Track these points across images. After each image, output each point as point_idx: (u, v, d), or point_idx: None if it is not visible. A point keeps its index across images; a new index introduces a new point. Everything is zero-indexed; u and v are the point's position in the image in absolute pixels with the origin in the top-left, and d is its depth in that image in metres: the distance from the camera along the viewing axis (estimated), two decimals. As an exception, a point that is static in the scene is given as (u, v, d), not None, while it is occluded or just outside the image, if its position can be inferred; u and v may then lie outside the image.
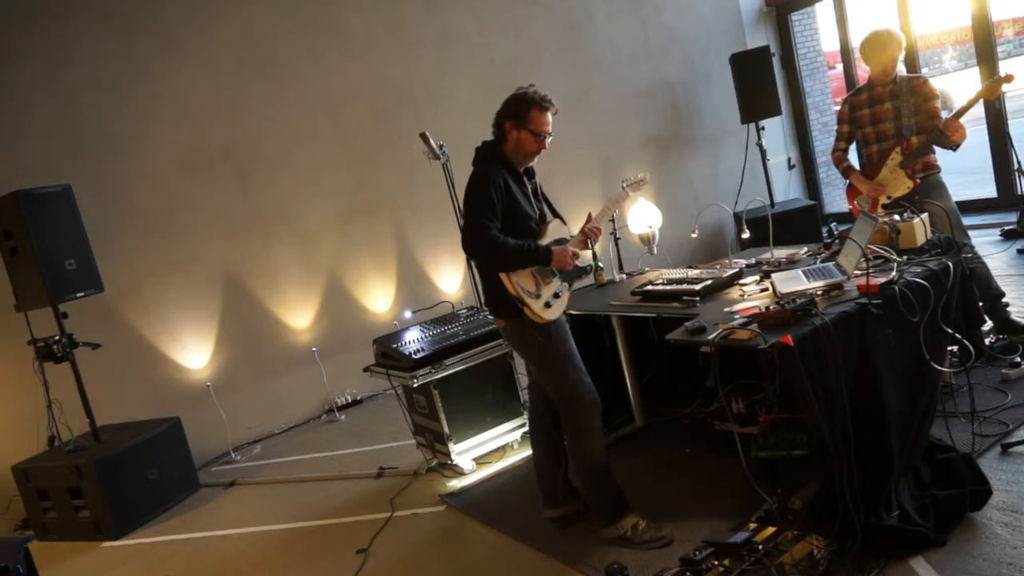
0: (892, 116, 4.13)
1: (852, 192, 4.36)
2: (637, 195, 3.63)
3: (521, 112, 3.13)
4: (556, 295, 3.17)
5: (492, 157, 3.18)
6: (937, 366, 2.97)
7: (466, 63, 6.72)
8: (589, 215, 3.36)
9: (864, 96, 4.25)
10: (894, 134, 4.13)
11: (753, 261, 3.88)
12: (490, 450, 4.33)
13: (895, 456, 2.78)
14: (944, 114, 4.05)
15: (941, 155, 4.13)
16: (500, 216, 3.06)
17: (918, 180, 4.07)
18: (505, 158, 3.19)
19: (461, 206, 3.33)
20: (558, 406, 3.23)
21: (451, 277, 6.64)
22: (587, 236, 3.31)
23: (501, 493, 3.91)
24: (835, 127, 4.48)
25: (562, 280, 3.22)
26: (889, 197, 4.10)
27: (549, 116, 3.17)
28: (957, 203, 4.18)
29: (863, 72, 4.31)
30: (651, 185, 7.47)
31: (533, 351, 3.20)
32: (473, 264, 3.28)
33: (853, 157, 4.49)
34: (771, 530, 2.76)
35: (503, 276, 3.05)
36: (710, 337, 2.82)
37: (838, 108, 4.51)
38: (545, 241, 3.19)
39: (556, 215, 3.36)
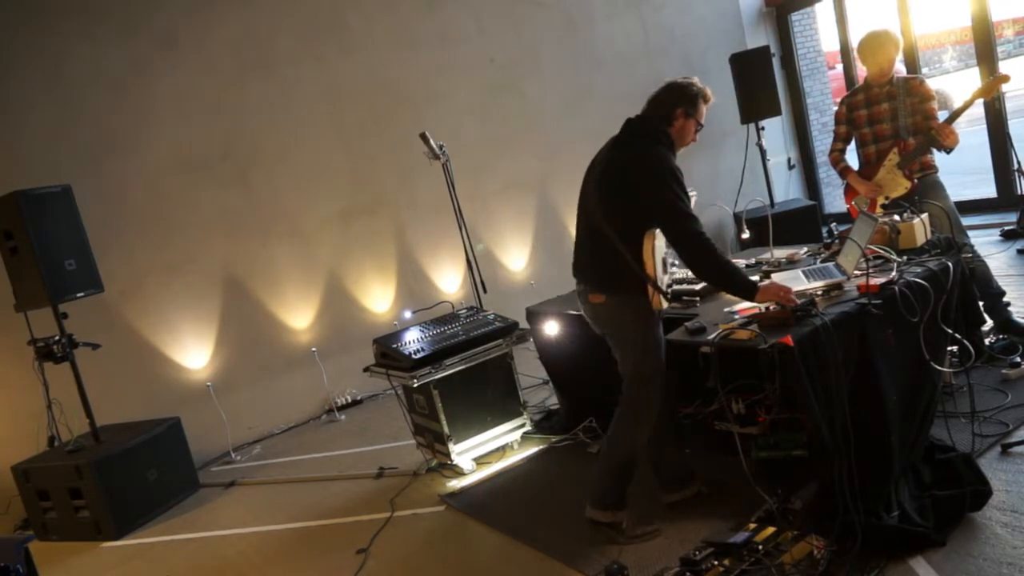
0: (889, 117, 4.13)
1: (850, 193, 4.36)
2: None
3: (694, 101, 3.14)
4: (670, 286, 3.14)
5: (664, 139, 3.11)
6: (937, 366, 2.97)
7: (466, 63, 6.72)
8: None
9: (861, 97, 4.25)
10: (891, 135, 4.13)
11: (753, 261, 3.88)
12: (490, 450, 4.33)
13: (895, 456, 2.78)
14: (943, 114, 4.05)
15: (940, 155, 4.13)
16: None
17: (916, 181, 4.08)
18: (672, 144, 3.15)
19: (622, 182, 3.07)
20: (628, 386, 3.14)
21: (451, 277, 6.64)
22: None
23: (501, 493, 3.91)
24: (833, 127, 4.49)
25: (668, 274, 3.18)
26: (887, 198, 4.10)
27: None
28: (957, 203, 4.18)
29: (863, 72, 4.31)
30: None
31: (628, 331, 3.09)
32: (583, 234, 3.17)
33: (851, 158, 4.49)
34: (771, 530, 2.76)
35: (648, 254, 2.95)
36: (710, 337, 2.83)
37: (836, 108, 4.52)
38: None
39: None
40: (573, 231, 3.34)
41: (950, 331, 3.02)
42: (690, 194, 3.22)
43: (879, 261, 3.18)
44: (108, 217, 5.33)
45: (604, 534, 3.15)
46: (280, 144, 6.01)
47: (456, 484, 4.09)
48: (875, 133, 4.20)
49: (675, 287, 3.55)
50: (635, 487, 3.26)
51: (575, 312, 3.72)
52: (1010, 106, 6.91)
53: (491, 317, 4.47)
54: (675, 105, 3.13)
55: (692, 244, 2.94)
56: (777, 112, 7.33)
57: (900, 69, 4.21)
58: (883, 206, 4.07)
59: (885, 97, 4.14)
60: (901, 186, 4.08)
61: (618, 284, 3.05)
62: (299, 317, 6.09)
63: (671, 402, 3.33)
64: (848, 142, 4.39)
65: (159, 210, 5.60)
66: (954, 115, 3.89)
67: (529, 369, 5.06)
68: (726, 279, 2.99)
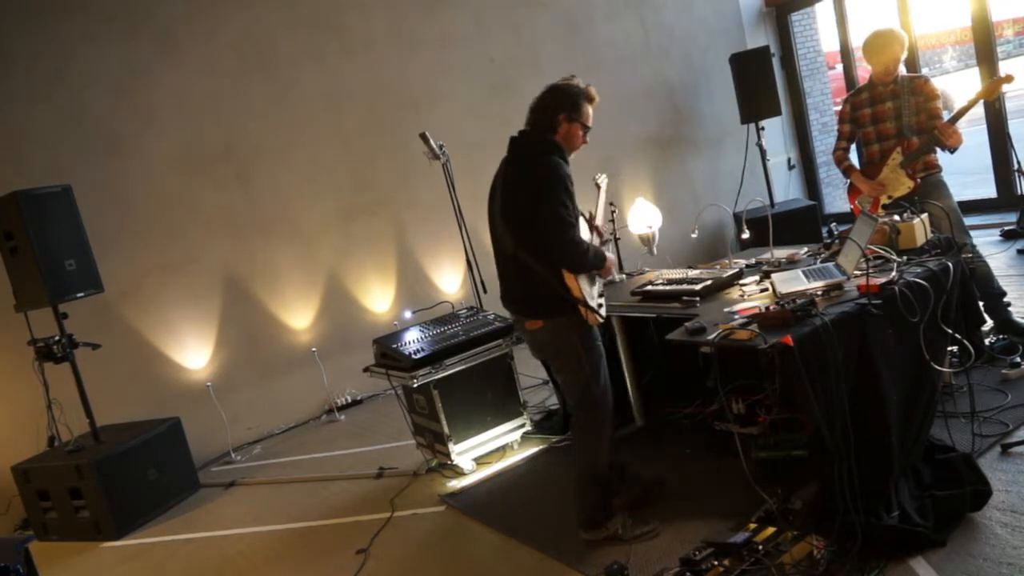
0: (893, 116, 4.13)
1: (853, 192, 4.36)
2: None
3: (576, 104, 3.08)
4: (601, 296, 3.14)
5: (553, 149, 3.05)
6: (937, 366, 2.97)
7: (466, 63, 6.72)
8: (591, 214, 3.34)
9: (865, 95, 4.25)
10: (895, 134, 4.13)
11: (753, 261, 3.89)
12: (490, 450, 4.33)
13: (895, 456, 2.78)
14: (945, 114, 4.05)
15: (941, 154, 4.13)
16: None
17: (919, 180, 4.08)
18: (562, 151, 3.08)
19: (526, 197, 3.06)
20: (577, 408, 3.16)
21: (451, 277, 6.63)
22: (601, 236, 3.31)
23: (501, 493, 3.91)
24: (836, 127, 4.49)
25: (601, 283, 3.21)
26: (890, 197, 4.10)
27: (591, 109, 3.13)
28: (957, 203, 4.18)
29: (863, 72, 4.32)
30: (651, 185, 7.52)
31: (571, 352, 3.08)
32: (513, 262, 3.11)
33: (854, 156, 4.49)
34: (771, 530, 2.76)
35: (570, 277, 2.95)
36: (710, 337, 2.82)
37: (839, 108, 4.52)
38: None
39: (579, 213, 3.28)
40: None
41: (950, 331, 3.02)
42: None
43: (879, 261, 3.18)
44: (108, 217, 5.33)
45: (608, 542, 3.13)
46: (280, 144, 6.01)
47: (456, 484, 4.09)
48: (879, 132, 4.20)
49: (674, 287, 3.55)
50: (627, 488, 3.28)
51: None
52: (1010, 106, 6.91)
53: (491, 317, 4.48)
54: (556, 111, 3.07)
55: (568, 252, 2.93)
56: (777, 112, 7.33)
57: (901, 69, 4.21)
58: (884, 206, 4.07)
59: (889, 96, 4.14)
60: (904, 185, 4.08)
61: (551, 307, 3.02)
62: (299, 317, 6.09)
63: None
64: (852, 141, 4.39)
65: (159, 210, 5.60)
66: (957, 115, 3.89)
67: (529, 369, 5.06)
68: (592, 259, 2.99)
